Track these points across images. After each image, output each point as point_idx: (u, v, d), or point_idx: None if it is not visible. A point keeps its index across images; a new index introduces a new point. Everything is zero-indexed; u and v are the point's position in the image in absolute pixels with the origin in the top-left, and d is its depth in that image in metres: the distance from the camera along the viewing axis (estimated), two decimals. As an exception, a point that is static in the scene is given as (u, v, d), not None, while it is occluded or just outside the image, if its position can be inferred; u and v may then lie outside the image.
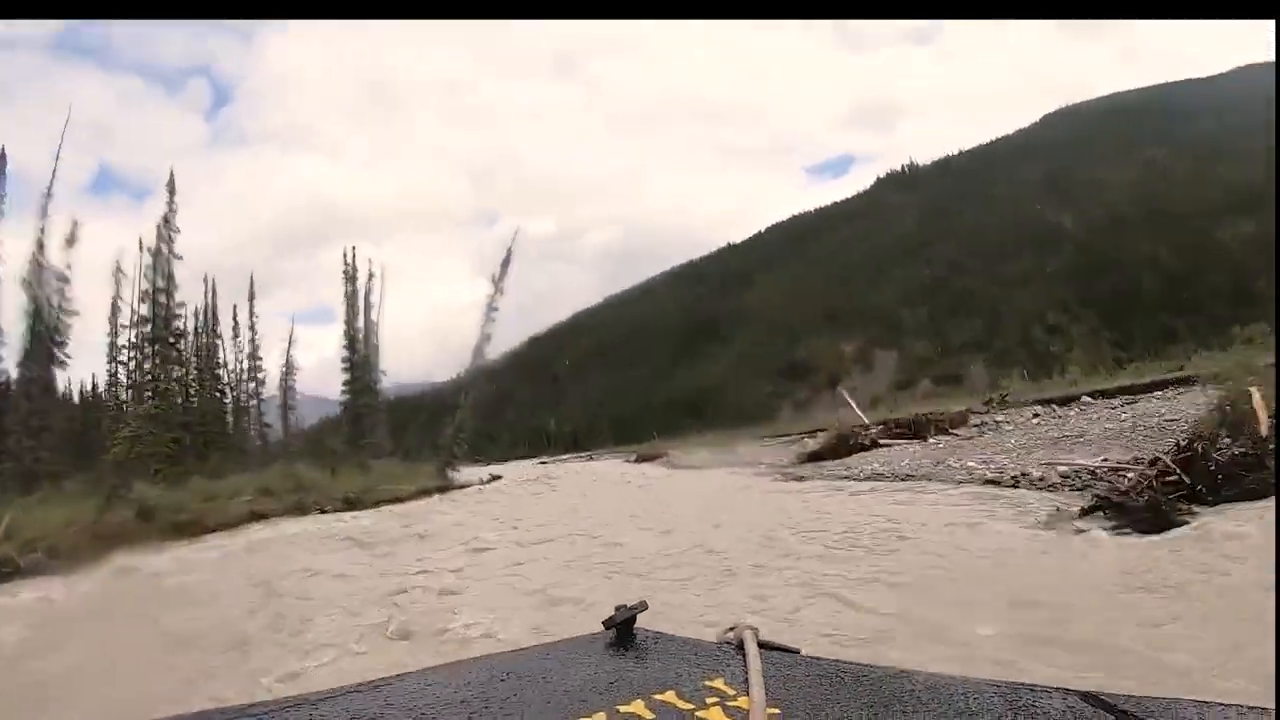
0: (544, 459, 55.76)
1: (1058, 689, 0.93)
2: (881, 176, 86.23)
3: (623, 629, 1.08)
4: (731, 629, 1.08)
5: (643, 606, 1.10)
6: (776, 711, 0.82)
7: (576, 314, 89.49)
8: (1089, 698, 0.88)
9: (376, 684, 0.92)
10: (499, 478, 27.88)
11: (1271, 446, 6.65)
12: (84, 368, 43.18)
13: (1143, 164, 58.55)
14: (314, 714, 0.81)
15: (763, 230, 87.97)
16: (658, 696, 0.86)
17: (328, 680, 4.03)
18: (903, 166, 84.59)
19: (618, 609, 1.09)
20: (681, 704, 0.84)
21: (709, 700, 0.85)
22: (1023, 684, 0.97)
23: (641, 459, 33.59)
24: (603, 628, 1.10)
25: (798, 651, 1.07)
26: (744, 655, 0.96)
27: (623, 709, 0.82)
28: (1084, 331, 46.13)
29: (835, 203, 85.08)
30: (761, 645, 1.01)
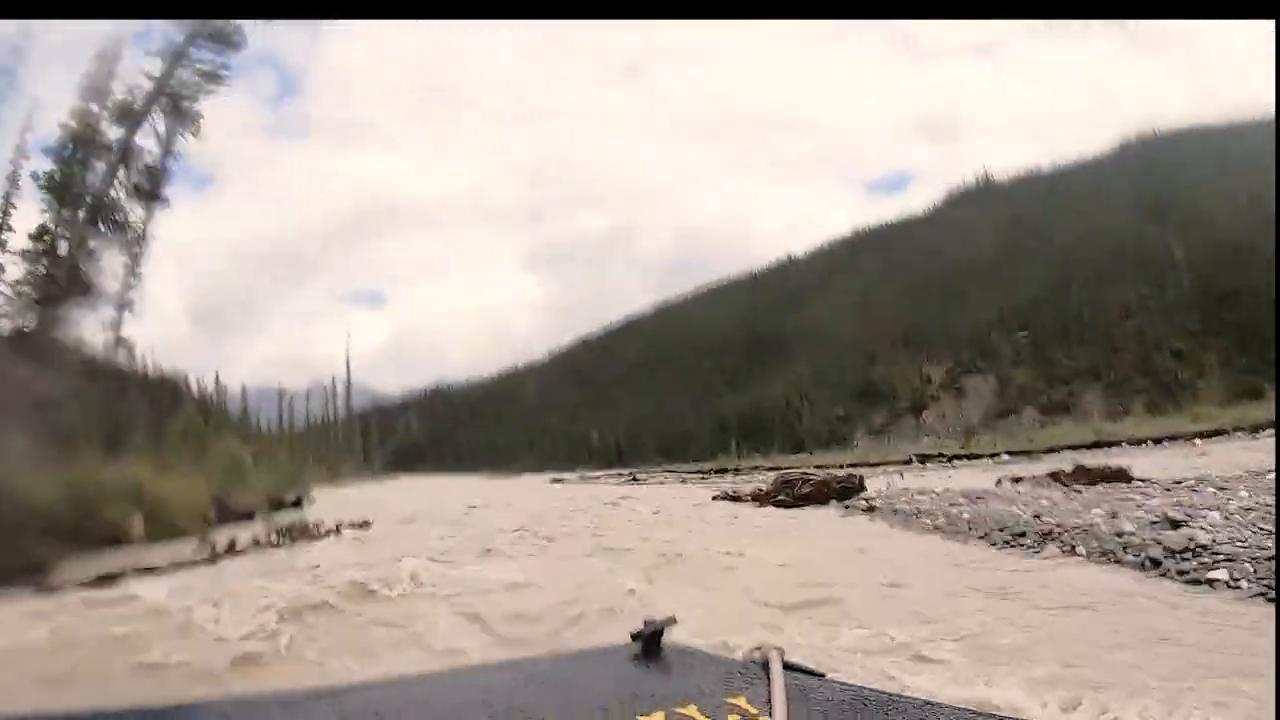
0: (583, 472, 51.15)
1: None
2: (952, 191, 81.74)
3: (649, 642, 1.07)
4: (758, 648, 1.06)
5: (672, 621, 1.09)
6: None
7: (628, 319, 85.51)
8: None
9: (400, 681, 0.91)
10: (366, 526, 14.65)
11: None
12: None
13: (1247, 195, 54.20)
14: (338, 706, 0.82)
15: (824, 244, 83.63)
16: (679, 710, 0.86)
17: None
18: (975, 180, 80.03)
19: (646, 623, 1.08)
20: (702, 719, 0.85)
21: (730, 717, 0.86)
22: None
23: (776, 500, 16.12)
24: (631, 640, 1.09)
25: (822, 675, 1.04)
26: (768, 675, 0.95)
27: None
28: (1214, 360, 41.44)
29: (902, 217, 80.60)
30: (786, 667, 1.00)
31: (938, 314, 58.04)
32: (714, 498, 18.53)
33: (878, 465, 28.44)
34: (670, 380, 74.00)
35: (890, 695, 0.98)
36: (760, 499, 15.98)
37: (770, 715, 0.84)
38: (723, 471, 36.29)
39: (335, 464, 47.48)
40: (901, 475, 21.54)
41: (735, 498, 17.43)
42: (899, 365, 54.97)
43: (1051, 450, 26.82)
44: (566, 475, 45.97)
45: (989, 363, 51.62)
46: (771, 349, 68.18)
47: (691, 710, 0.86)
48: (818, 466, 29.66)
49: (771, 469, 30.90)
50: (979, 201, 78.81)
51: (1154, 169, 65.06)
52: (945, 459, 28.40)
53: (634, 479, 34.29)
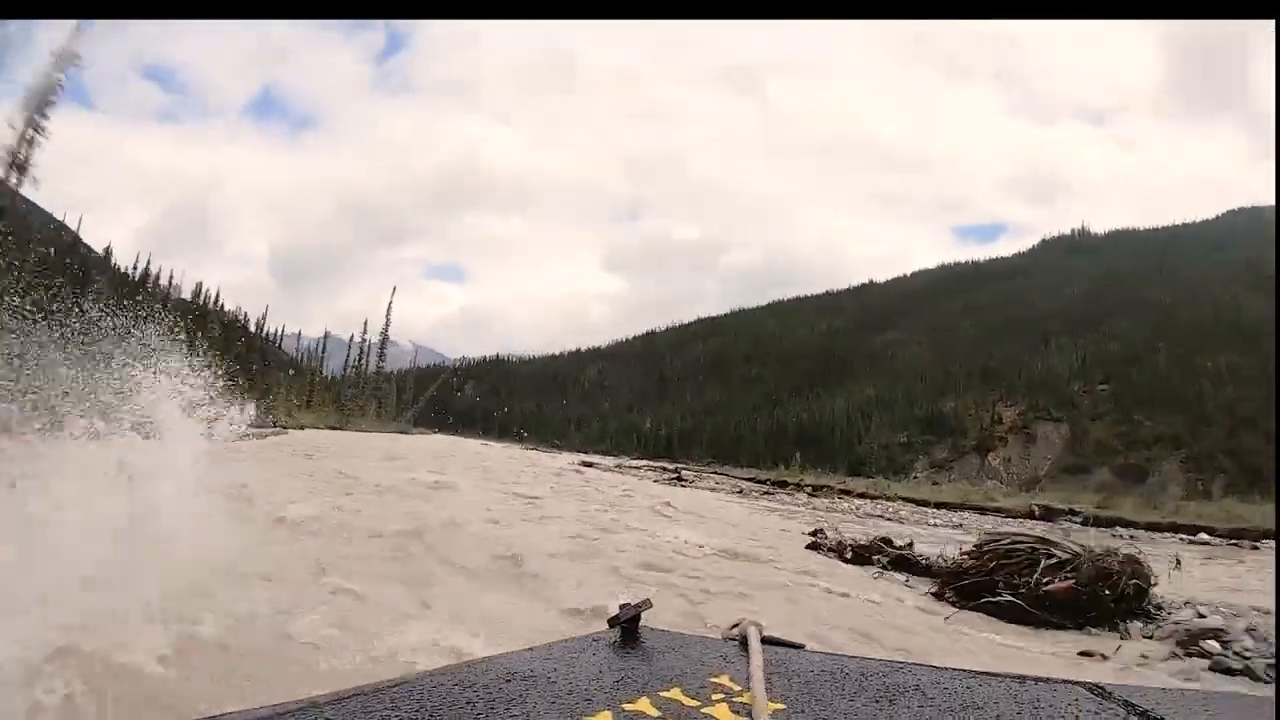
0: (623, 460, 49.73)
1: (1063, 681, 0.94)
2: (1046, 238, 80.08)
3: (627, 627, 1.07)
4: (736, 625, 1.07)
5: (647, 604, 1.08)
6: (782, 707, 0.82)
7: (700, 319, 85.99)
8: (1094, 689, 0.89)
9: (381, 687, 0.90)
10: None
11: None
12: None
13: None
14: (321, 717, 0.81)
15: (908, 274, 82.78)
16: (663, 694, 0.86)
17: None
18: (1073, 230, 78.27)
19: (622, 607, 1.08)
20: (687, 701, 0.84)
21: (715, 697, 0.86)
22: (1028, 676, 0.98)
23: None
24: (608, 626, 1.09)
25: (802, 647, 1.06)
26: (747, 651, 0.95)
27: (628, 707, 0.82)
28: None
29: (992, 259, 79.27)
30: (765, 641, 1.01)
31: (1017, 356, 57.21)
32: (811, 544, 9.13)
33: (963, 509, 23.75)
34: (733, 383, 74.27)
35: (867, 660, 1.02)
36: (945, 582, 6.69)
37: (759, 690, 0.84)
38: (783, 484, 29.71)
39: (351, 411, 49.17)
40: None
41: (856, 554, 8.24)
42: (970, 401, 54.36)
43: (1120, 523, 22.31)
44: (602, 460, 40.36)
45: (1064, 412, 50.69)
46: (840, 366, 67.93)
47: (675, 693, 0.86)
48: (905, 499, 26.99)
49: (844, 491, 27.98)
50: (1073, 251, 77.08)
51: (1257, 240, 62.80)
52: (1072, 515, 23.29)
53: (678, 477, 27.72)
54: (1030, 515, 21.35)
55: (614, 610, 1.09)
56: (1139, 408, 46.32)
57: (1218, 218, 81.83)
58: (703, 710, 0.82)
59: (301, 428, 31.22)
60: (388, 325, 58.18)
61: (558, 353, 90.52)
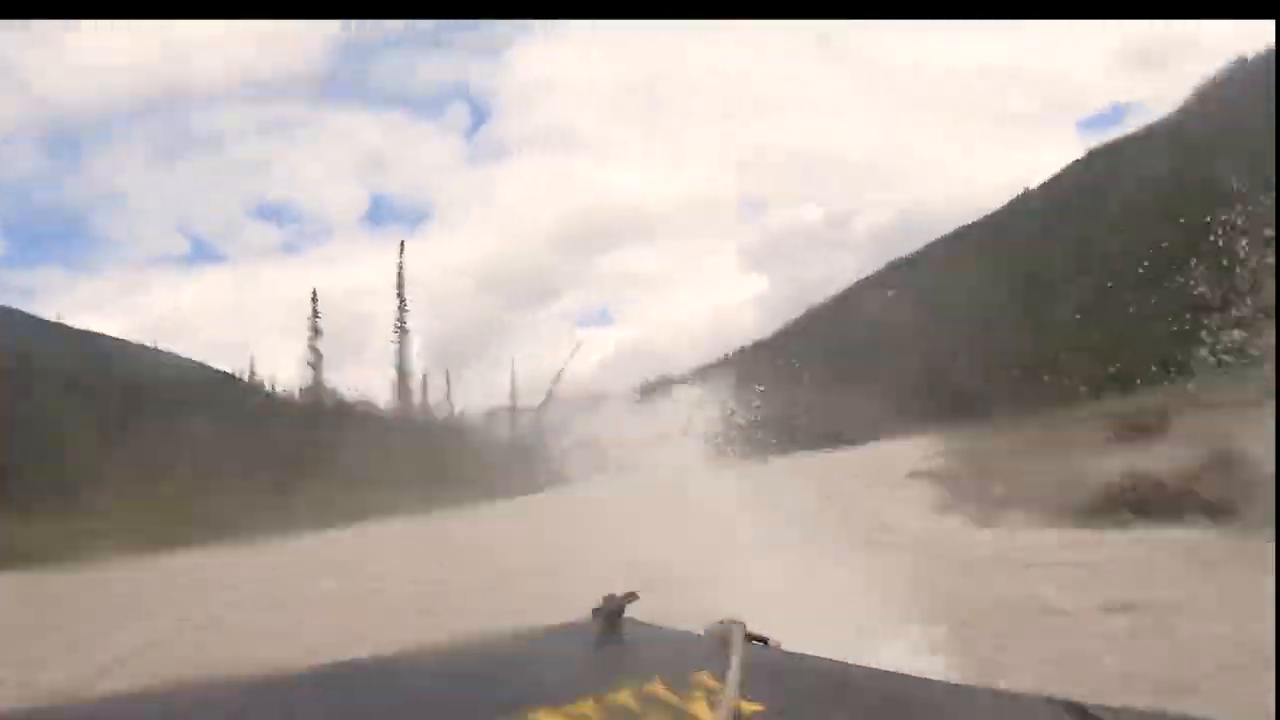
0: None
1: (1044, 698, 0.94)
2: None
3: (611, 618, 1.07)
4: (720, 622, 1.06)
5: (633, 597, 1.09)
6: (760, 708, 0.82)
7: (844, 291, 74.55)
8: (1072, 708, 0.88)
9: (355, 664, 0.92)
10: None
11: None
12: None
13: None
14: (290, 695, 0.82)
15: (1065, 167, 69.32)
16: (646, 687, 0.85)
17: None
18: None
19: (606, 598, 1.08)
20: (669, 695, 0.84)
21: (696, 693, 0.86)
22: (1007, 691, 0.99)
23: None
24: (592, 616, 1.09)
25: (780, 647, 1.06)
26: (728, 649, 0.94)
27: (609, 698, 0.82)
28: None
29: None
30: (749, 638, 1.01)
31: None
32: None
33: None
34: (899, 351, 61.88)
35: (851, 666, 0.99)
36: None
37: (728, 689, 0.80)
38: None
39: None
40: None
41: None
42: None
43: None
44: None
45: None
46: (1038, 281, 54.78)
47: (657, 688, 0.84)
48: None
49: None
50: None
51: None
52: None
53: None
54: None
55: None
56: None
57: None
58: (684, 706, 0.81)
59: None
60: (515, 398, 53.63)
61: (703, 364, 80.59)
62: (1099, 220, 56.74)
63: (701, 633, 1.07)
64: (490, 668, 0.91)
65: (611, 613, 1.06)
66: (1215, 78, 61.31)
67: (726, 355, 70.80)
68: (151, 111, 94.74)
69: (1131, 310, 40.97)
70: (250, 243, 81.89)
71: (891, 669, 0.99)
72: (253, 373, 45.68)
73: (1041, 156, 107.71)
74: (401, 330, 48.10)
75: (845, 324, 67.88)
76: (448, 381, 54.76)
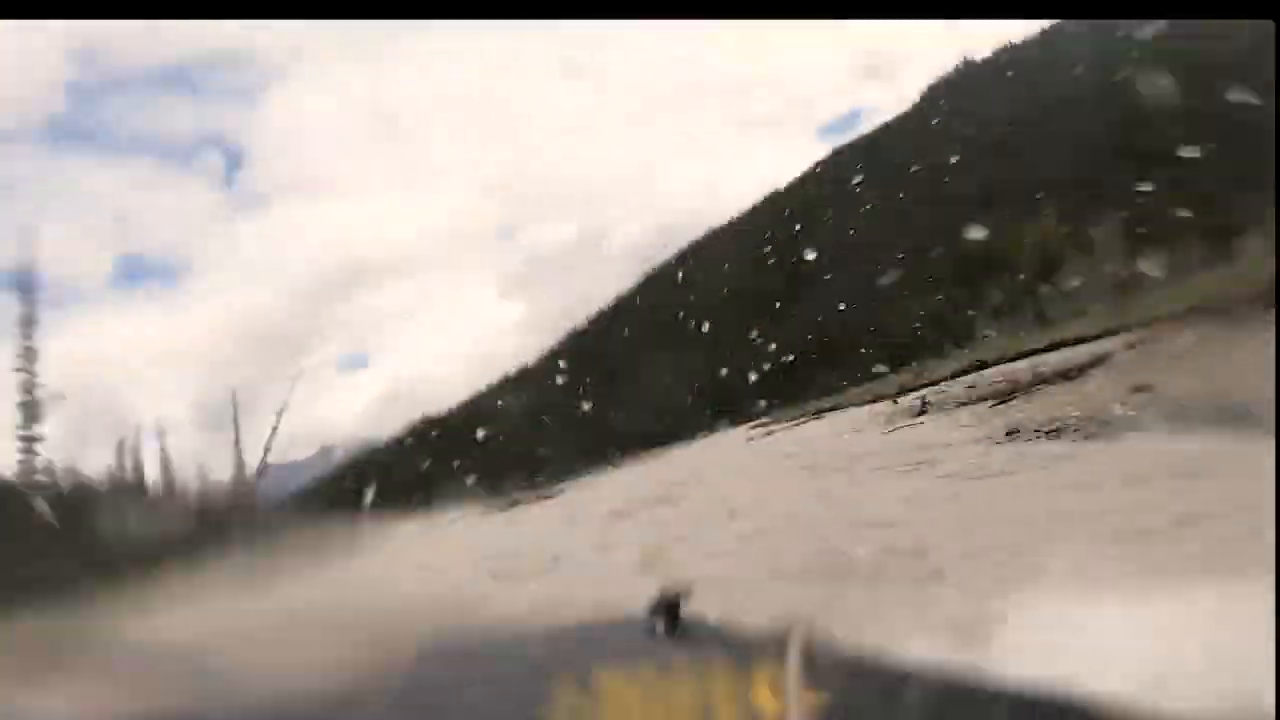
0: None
1: (1045, 698, 0.90)
2: (933, 83, 71.21)
3: (669, 614, 1.09)
4: (781, 618, 1.08)
5: (687, 592, 1.09)
6: (822, 698, 0.83)
7: (616, 297, 71.07)
8: (1072, 708, 0.85)
9: (438, 646, 1.00)
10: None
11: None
12: None
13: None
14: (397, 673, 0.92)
15: (812, 167, 71.81)
16: (705, 682, 0.87)
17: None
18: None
19: (663, 592, 1.10)
20: (728, 688, 0.85)
21: (757, 679, 0.87)
22: (1029, 692, 0.92)
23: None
24: (649, 614, 1.10)
25: (844, 645, 1.06)
26: (791, 645, 0.96)
27: (669, 690, 0.84)
28: None
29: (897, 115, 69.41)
30: (809, 638, 1.02)
31: (1011, 165, 46.01)
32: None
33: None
34: (660, 365, 59.66)
35: (916, 664, 0.97)
36: None
37: (791, 684, 0.81)
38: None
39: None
40: None
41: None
42: (998, 229, 42.06)
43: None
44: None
45: (1098, 206, 39.21)
46: (798, 274, 55.04)
47: (717, 681, 0.84)
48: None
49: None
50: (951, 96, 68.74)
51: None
52: None
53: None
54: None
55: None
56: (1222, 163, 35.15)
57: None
58: (744, 690, 0.82)
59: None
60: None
61: (473, 393, 73.65)
62: (853, 214, 58.04)
63: (759, 630, 1.06)
64: (546, 657, 0.95)
65: (669, 608, 1.06)
66: (945, 78, 66.88)
67: (489, 385, 65.59)
68: None
69: (893, 294, 40.89)
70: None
71: (944, 665, 0.95)
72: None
73: (786, 157, 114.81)
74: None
75: (609, 339, 64.85)
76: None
